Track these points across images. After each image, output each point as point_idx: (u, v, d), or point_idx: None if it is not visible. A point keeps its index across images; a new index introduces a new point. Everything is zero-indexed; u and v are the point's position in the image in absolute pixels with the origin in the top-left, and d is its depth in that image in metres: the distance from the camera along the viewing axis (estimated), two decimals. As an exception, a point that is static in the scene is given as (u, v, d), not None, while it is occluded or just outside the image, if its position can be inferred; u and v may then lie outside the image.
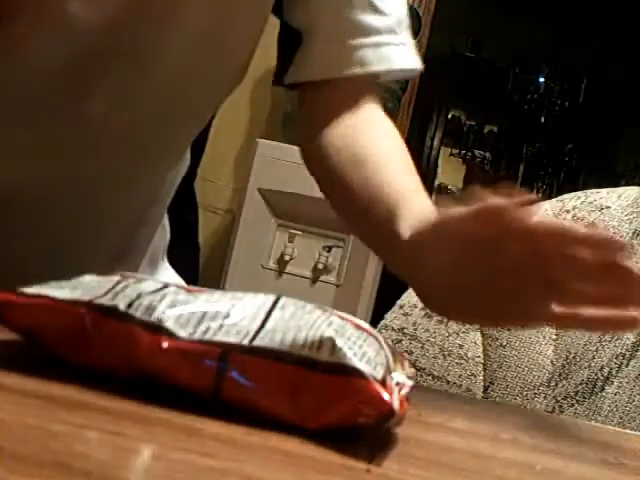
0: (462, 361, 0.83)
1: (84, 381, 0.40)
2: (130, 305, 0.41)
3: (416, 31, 2.68)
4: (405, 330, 0.86)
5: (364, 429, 0.37)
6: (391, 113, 2.72)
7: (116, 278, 0.44)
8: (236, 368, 0.39)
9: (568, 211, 0.90)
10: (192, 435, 0.36)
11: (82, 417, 0.36)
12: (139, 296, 0.42)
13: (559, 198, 0.93)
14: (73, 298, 0.42)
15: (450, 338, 0.85)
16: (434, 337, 0.85)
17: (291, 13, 0.72)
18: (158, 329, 0.40)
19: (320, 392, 0.38)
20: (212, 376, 0.39)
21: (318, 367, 0.38)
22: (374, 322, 0.86)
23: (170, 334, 0.40)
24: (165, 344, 0.39)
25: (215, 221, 2.86)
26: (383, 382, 0.38)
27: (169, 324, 0.40)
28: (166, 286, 0.43)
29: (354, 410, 0.37)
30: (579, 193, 0.92)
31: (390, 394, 0.37)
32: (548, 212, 0.91)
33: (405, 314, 0.87)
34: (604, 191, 0.92)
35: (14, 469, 0.29)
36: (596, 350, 0.80)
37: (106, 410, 0.38)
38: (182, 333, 0.40)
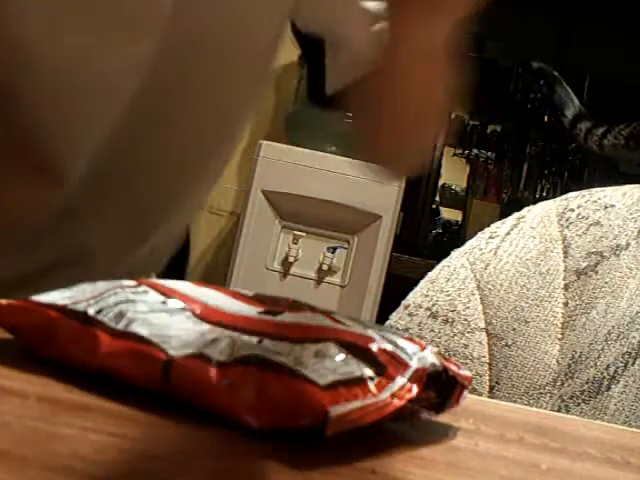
0: (467, 361, 0.83)
1: (88, 384, 0.40)
2: (100, 311, 0.43)
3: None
4: (410, 330, 0.86)
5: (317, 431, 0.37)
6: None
7: (119, 284, 0.46)
8: (179, 368, 0.40)
9: (573, 210, 0.90)
10: (196, 438, 0.36)
11: (87, 420, 0.36)
12: (118, 303, 0.44)
13: (564, 197, 0.93)
14: (51, 302, 0.44)
15: (455, 338, 0.85)
16: (439, 337, 0.85)
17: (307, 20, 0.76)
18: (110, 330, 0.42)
19: (260, 390, 0.38)
20: (159, 375, 0.40)
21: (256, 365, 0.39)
22: (379, 322, 0.86)
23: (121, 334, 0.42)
24: (113, 344, 0.42)
25: (219, 223, 2.86)
26: (325, 388, 0.37)
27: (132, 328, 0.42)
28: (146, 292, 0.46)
29: (292, 410, 0.37)
30: (584, 192, 0.92)
31: (326, 399, 0.37)
32: (552, 211, 0.91)
33: (410, 314, 0.87)
34: (609, 189, 0.92)
35: (18, 472, 0.29)
36: (602, 349, 0.80)
37: (110, 413, 0.38)
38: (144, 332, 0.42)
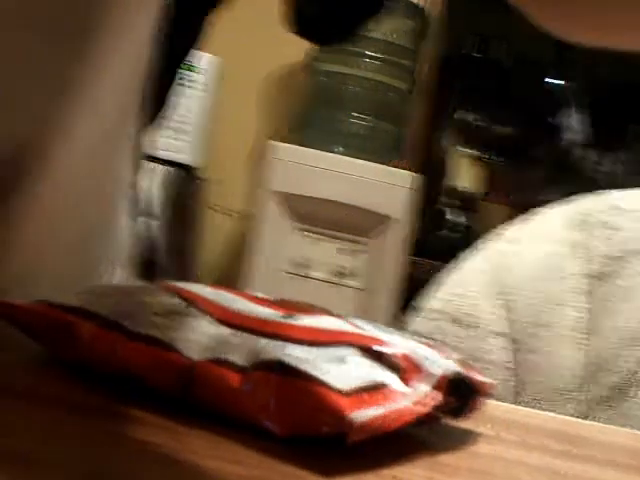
0: (491, 367, 0.83)
1: (106, 388, 0.40)
2: (119, 314, 0.43)
3: (424, 33, 2.69)
4: (432, 335, 0.86)
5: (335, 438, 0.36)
6: (402, 114, 2.72)
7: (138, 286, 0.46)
8: (201, 374, 0.39)
9: (594, 214, 0.90)
10: (217, 442, 0.36)
11: (105, 424, 0.36)
12: (137, 306, 0.44)
13: (582, 200, 0.93)
14: (68, 304, 0.44)
15: (478, 344, 0.85)
16: (461, 342, 0.85)
17: None
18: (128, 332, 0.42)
19: (281, 396, 0.38)
20: (180, 380, 0.40)
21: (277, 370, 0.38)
22: (398, 326, 0.86)
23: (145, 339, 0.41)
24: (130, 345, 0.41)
25: (230, 224, 2.87)
26: (347, 394, 0.37)
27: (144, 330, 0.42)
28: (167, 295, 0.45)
29: (314, 416, 0.37)
30: (602, 195, 0.92)
31: (349, 406, 0.36)
32: (573, 215, 0.91)
33: (430, 319, 0.87)
34: (627, 193, 0.92)
35: (39, 476, 0.29)
36: (627, 354, 0.79)
37: (129, 417, 0.38)
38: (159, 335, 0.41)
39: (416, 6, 2.65)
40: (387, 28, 2.52)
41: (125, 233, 0.71)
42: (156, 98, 0.68)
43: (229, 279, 2.73)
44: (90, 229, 0.64)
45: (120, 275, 0.71)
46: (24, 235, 0.55)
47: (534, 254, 0.89)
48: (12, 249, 0.55)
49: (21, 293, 0.47)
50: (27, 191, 0.54)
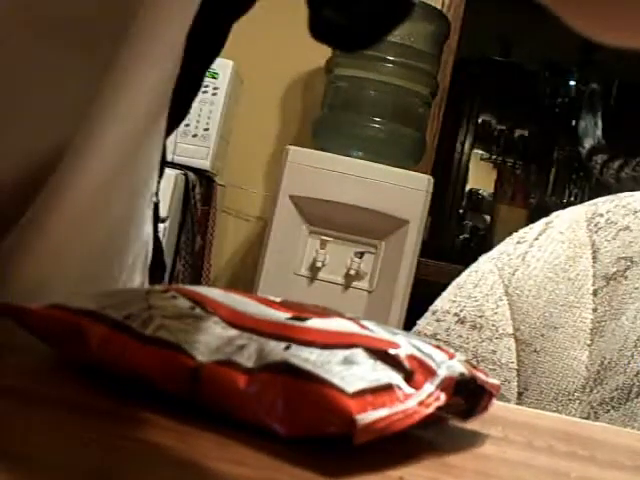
0: (495, 367, 0.83)
1: (115, 389, 0.40)
2: (128, 317, 0.43)
3: (445, 35, 2.68)
4: (438, 336, 0.86)
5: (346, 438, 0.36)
6: (421, 118, 2.72)
7: (146, 290, 0.46)
8: (209, 375, 0.40)
9: (601, 215, 0.89)
10: (224, 444, 0.36)
11: (114, 426, 0.37)
12: (146, 308, 0.44)
13: (592, 202, 0.92)
14: (79, 307, 0.44)
15: (483, 344, 0.85)
16: (467, 343, 0.85)
17: None
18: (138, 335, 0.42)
19: (288, 397, 0.38)
20: (188, 382, 0.40)
21: (286, 372, 0.38)
22: (406, 328, 0.86)
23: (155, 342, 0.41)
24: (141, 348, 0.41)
25: (246, 228, 2.87)
26: (354, 395, 0.37)
27: (159, 334, 0.42)
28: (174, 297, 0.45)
29: (320, 417, 0.37)
30: (612, 197, 0.92)
31: (355, 407, 0.36)
32: (581, 216, 0.90)
33: (438, 320, 0.87)
34: (638, 194, 0.91)
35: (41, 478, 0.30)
36: (631, 355, 0.79)
37: (138, 419, 0.38)
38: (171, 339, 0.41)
39: (435, 9, 2.64)
40: (406, 32, 2.51)
41: (148, 239, 0.72)
42: (180, 104, 0.68)
43: (244, 282, 2.73)
44: (114, 233, 0.64)
45: (139, 281, 0.71)
46: (48, 239, 0.56)
47: (541, 255, 0.88)
48: (35, 253, 0.56)
49: (39, 297, 0.47)
50: (55, 194, 0.54)
